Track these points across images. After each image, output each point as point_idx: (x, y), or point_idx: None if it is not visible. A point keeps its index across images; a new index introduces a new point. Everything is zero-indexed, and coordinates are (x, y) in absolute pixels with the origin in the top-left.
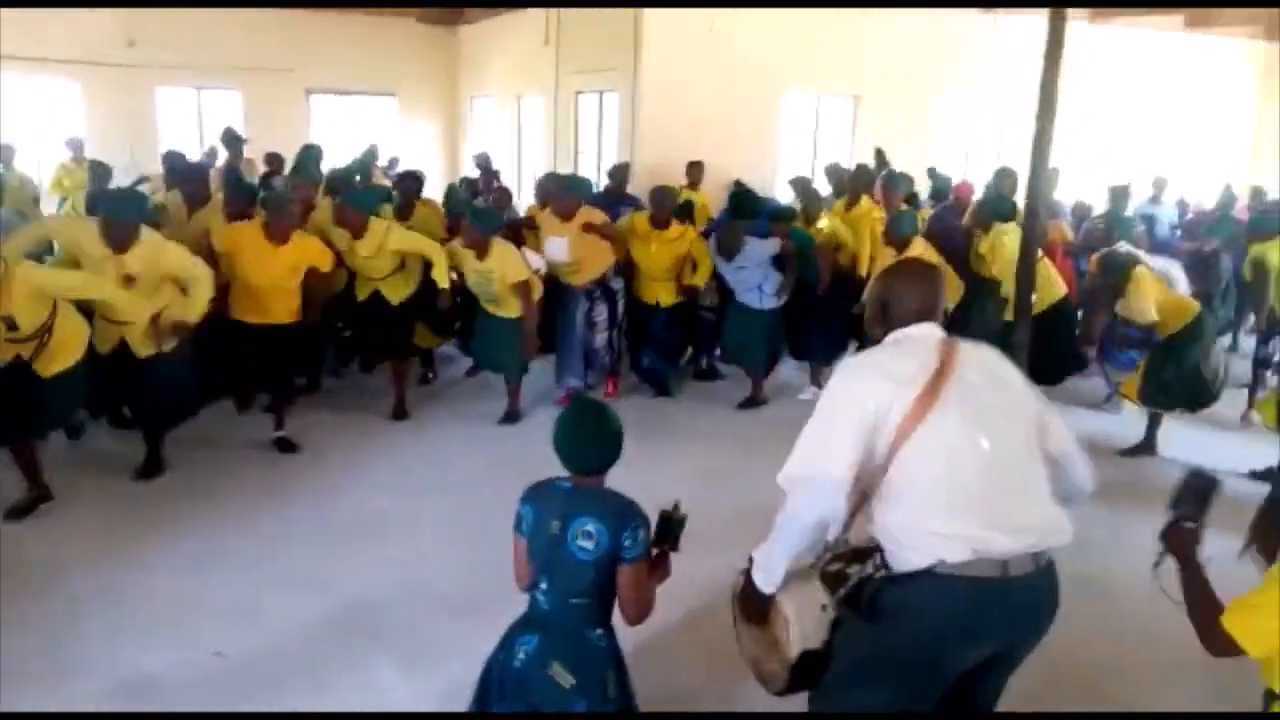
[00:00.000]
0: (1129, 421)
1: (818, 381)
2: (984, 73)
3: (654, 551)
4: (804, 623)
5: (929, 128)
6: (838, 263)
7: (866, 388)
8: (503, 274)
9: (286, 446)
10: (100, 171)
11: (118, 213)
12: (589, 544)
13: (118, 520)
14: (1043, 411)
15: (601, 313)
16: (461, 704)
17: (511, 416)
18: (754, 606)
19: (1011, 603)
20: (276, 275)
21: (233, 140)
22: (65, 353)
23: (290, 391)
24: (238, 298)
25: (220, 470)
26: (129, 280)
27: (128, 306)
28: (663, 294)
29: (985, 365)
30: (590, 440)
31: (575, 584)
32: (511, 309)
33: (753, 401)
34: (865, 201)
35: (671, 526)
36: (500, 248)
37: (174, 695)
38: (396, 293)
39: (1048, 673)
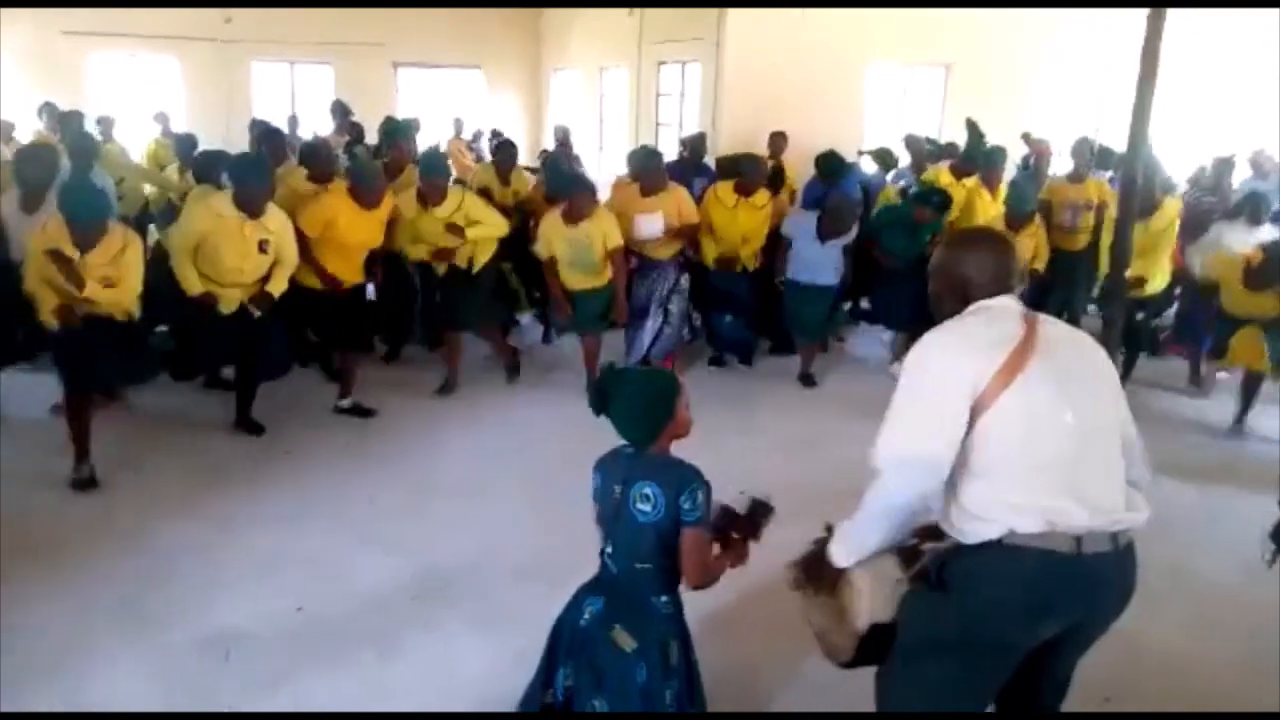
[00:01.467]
0: (1216, 406)
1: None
2: (1081, 41)
3: (734, 535)
4: (876, 596)
5: (1024, 99)
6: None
7: (960, 360)
8: (604, 239)
9: (361, 412)
10: (185, 142)
11: (251, 180)
12: (647, 507)
13: (205, 479)
14: (1120, 393)
15: (684, 282)
16: (526, 670)
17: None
18: (823, 578)
19: (1084, 580)
20: (368, 238)
21: (341, 111)
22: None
23: (354, 348)
24: (327, 261)
25: (303, 434)
26: (264, 244)
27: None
28: (746, 260)
29: (1069, 339)
30: (628, 412)
31: (638, 548)
32: (600, 278)
33: (808, 379)
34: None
35: (756, 515)
36: (602, 213)
37: (255, 648)
38: (463, 259)
39: (1124, 659)
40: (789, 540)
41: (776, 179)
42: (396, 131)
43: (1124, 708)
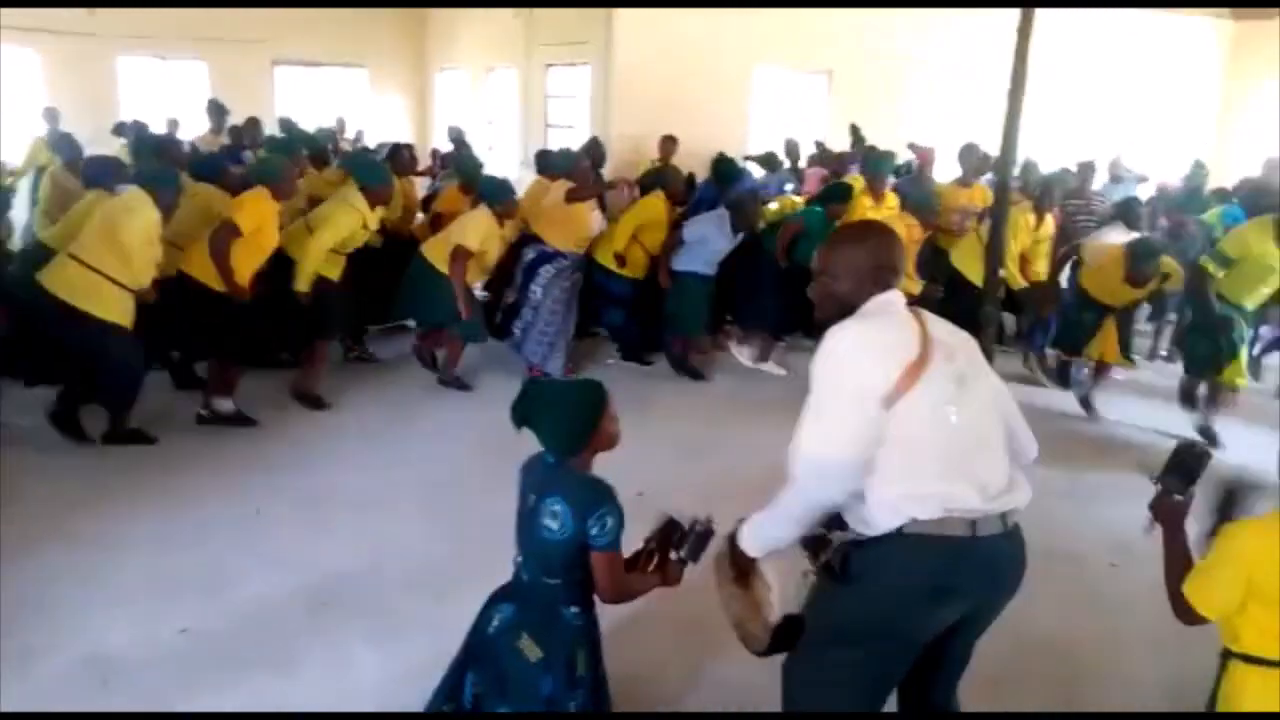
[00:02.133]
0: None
1: (766, 355)
2: (956, 49)
3: (673, 554)
4: (785, 587)
5: (902, 105)
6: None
7: (873, 363)
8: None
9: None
10: (69, 143)
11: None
12: (554, 524)
13: (79, 496)
14: (1004, 396)
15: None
16: (430, 680)
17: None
18: (737, 569)
19: (980, 562)
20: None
21: (217, 110)
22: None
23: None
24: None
25: (178, 444)
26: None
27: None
28: (634, 266)
29: (953, 334)
30: (551, 425)
31: (545, 562)
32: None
33: (696, 373)
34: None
35: (695, 538)
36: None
37: (138, 673)
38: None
39: (1008, 641)
40: None
41: (690, 187)
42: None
43: (1012, 689)
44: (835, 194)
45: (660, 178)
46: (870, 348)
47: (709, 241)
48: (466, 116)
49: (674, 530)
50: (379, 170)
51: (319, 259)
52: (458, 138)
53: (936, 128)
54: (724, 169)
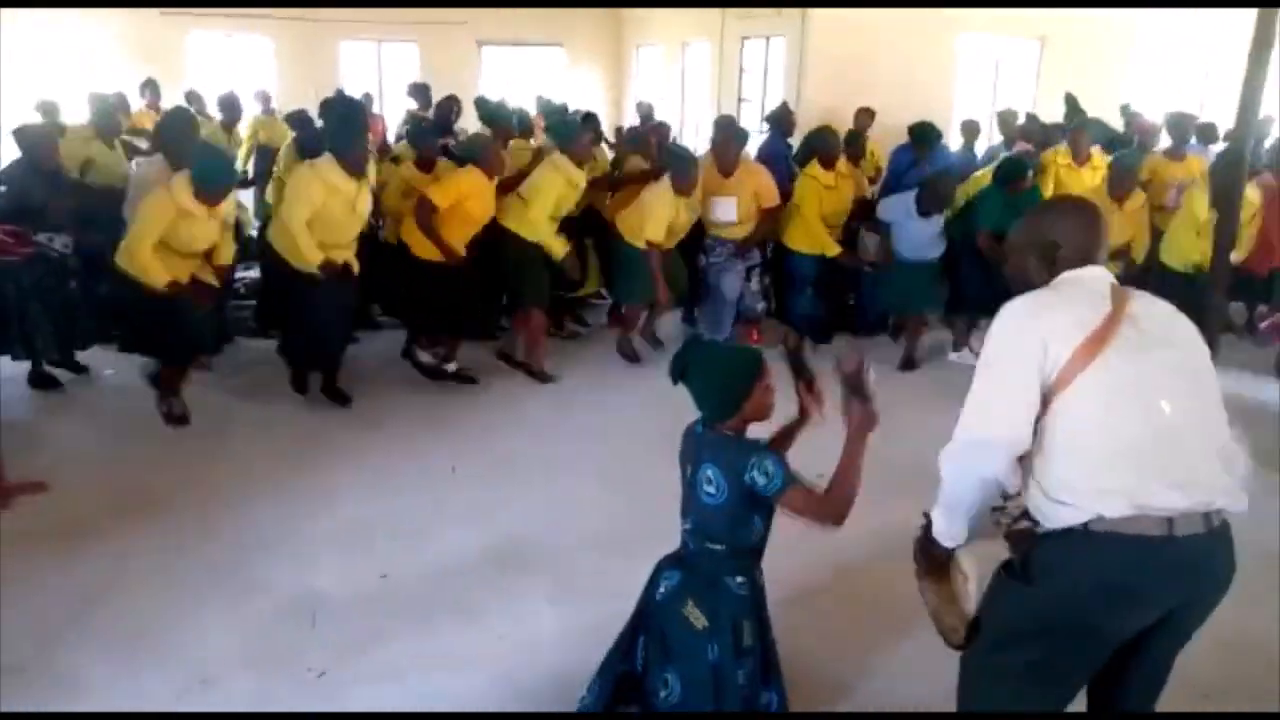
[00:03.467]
0: None
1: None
2: (1183, 12)
3: (804, 390)
4: (984, 578)
5: (1122, 73)
6: None
7: (1034, 333)
8: (755, 194)
9: (466, 377)
10: (303, 121)
11: (352, 148)
12: (712, 489)
13: (293, 446)
14: (1215, 377)
15: (755, 258)
16: (606, 639)
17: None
18: (933, 561)
19: (1177, 564)
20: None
21: (420, 91)
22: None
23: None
24: (455, 236)
25: (388, 403)
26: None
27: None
28: (829, 243)
29: (1165, 317)
30: (704, 386)
31: (709, 528)
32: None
33: (911, 362)
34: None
35: (799, 358)
36: (747, 167)
37: (340, 613)
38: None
39: (1224, 653)
40: (873, 523)
41: (855, 146)
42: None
43: (1219, 701)
44: (1010, 171)
45: (812, 142)
46: (1038, 320)
47: (901, 226)
48: (662, 91)
49: (798, 359)
50: (573, 127)
51: (546, 227)
52: (646, 113)
53: (1160, 97)
54: (921, 132)
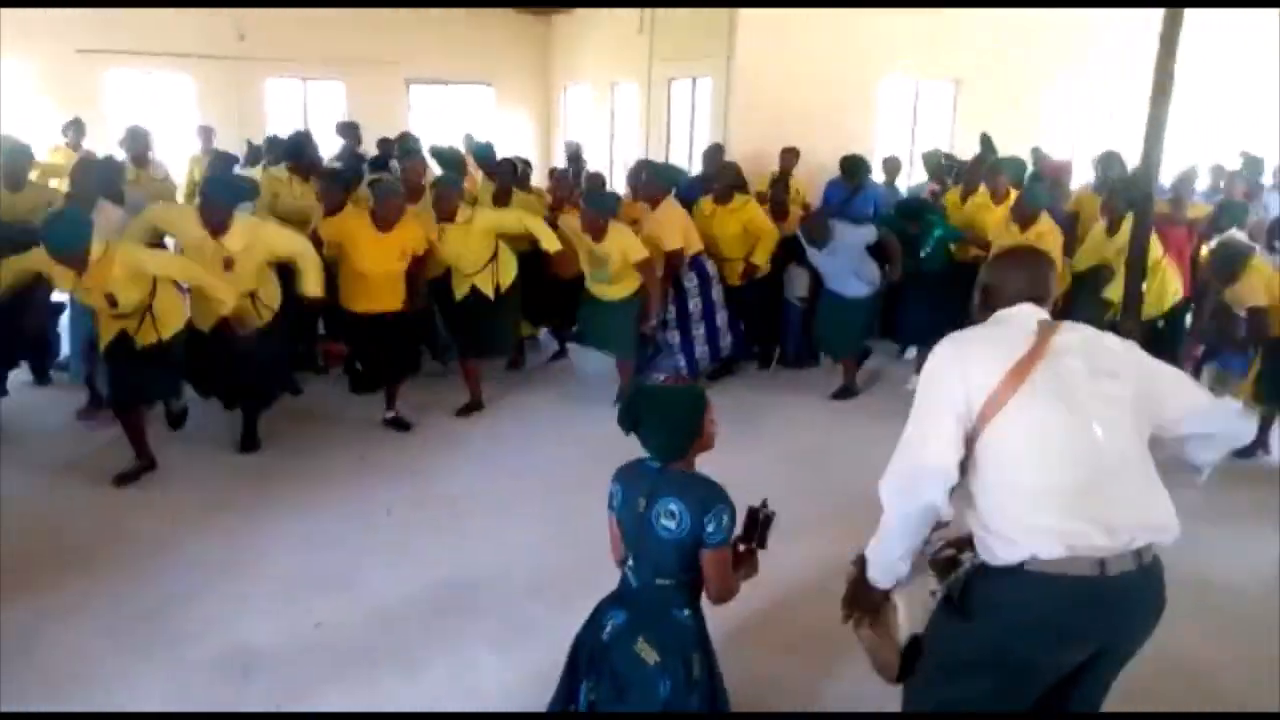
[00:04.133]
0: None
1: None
2: (1093, 55)
3: (740, 547)
4: (912, 607)
5: (1035, 114)
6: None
7: (957, 366)
8: (624, 254)
9: (400, 425)
10: (222, 161)
11: (213, 197)
12: (671, 524)
13: (226, 494)
14: (1156, 378)
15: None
16: (548, 686)
17: (624, 395)
18: (868, 601)
19: (1110, 604)
20: (386, 262)
21: (348, 129)
22: (165, 327)
23: (401, 375)
24: (347, 287)
25: (323, 447)
26: (229, 262)
27: (219, 288)
28: (728, 273)
29: (1088, 347)
30: (659, 430)
31: (660, 563)
32: (622, 290)
33: (846, 391)
34: (980, 193)
35: (758, 524)
36: (617, 229)
37: (274, 665)
38: (488, 285)
39: (1152, 670)
40: (807, 554)
41: (776, 188)
42: (411, 145)
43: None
44: (902, 210)
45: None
46: (960, 354)
47: (812, 257)
48: (591, 131)
49: (755, 522)
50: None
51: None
52: (575, 153)
53: (1071, 138)
54: (852, 165)
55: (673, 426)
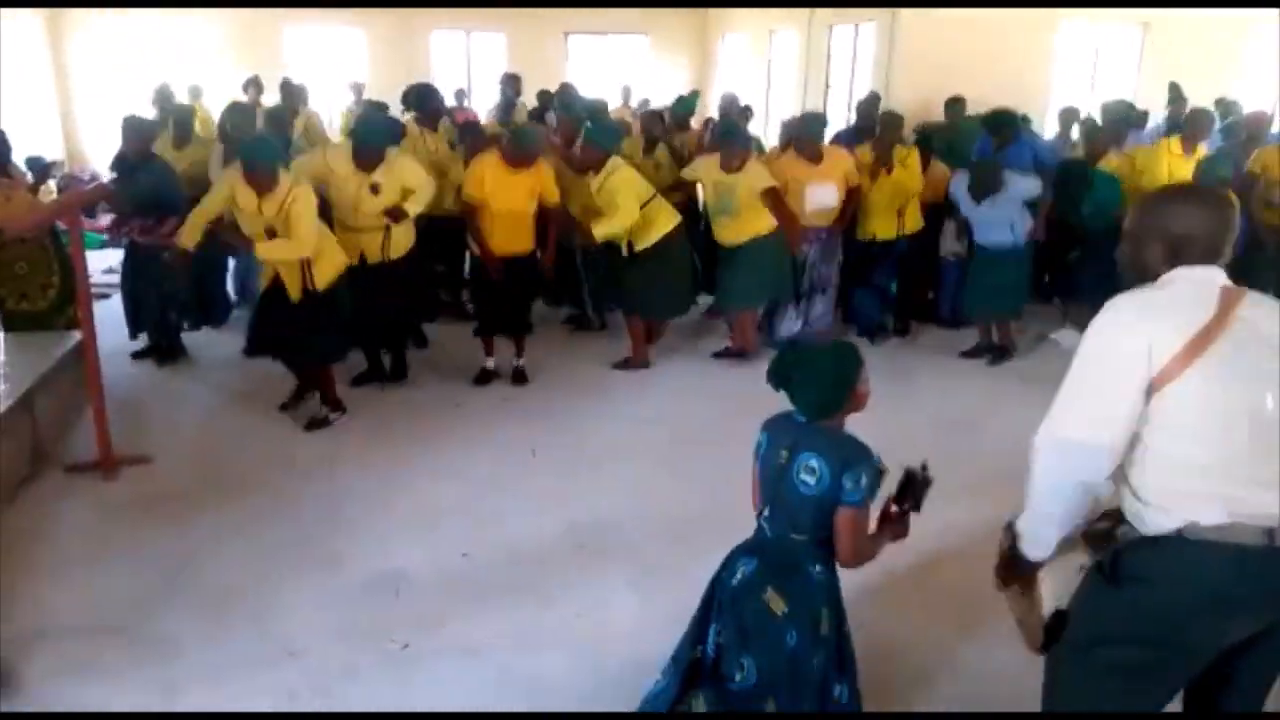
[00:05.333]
0: None
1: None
2: None
3: (894, 508)
4: (1056, 582)
5: (1233, 62)
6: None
7: (1139, 338)
8: (750, 183)
9: (519, 377)
10: (375, 108)
11: (366, 137)
12: (811, 479)
13: (387, 428)
14: None
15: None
16: (677, 627)
17: (742, 354)
18: (1019, 570)
19: (1277, 575)
20: (514, 200)
21: (509, 81)
22: (320, 276)
23: (522, 325)
24: (485, 229)
25: (470, 390)
26: (375, 187)
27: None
28: (880, 228)
29: (1273, 322)
30: (812, 388)
31: (796, 517)
32: (750, 230)
33: (1004, 352)
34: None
35: (915, 486)
36: (754, 162)
37: (422, 590)
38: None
39: None
40: (951, 517)
41: (925, 141)
42: (568, 104)
43: None
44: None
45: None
46: (1142, 320)
47: (967, 210)
48: (747, 80)
49: (912, 483)
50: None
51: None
52: (728, 106)
53: (1271, 87)
54: (995, 122)
55: (823, 384)
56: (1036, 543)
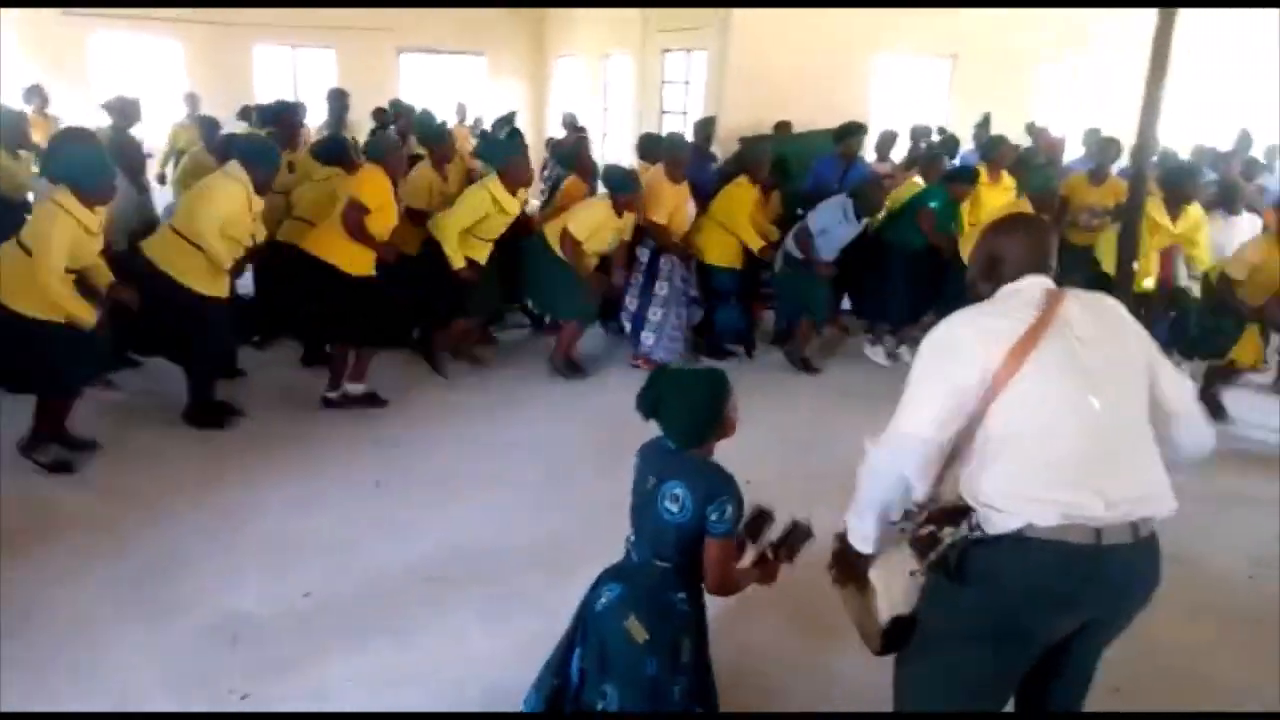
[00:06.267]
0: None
1: (884, 343)
2: (1093, 32)
3: (769, 554)
4: (891, 589)
5: (1030, 92)
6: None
7: (965, 341)
8: (628, 229)
9: (370, 401)
10: (208, 126)
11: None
12: (674, 508)
13: (216, 464)
14: (1156, 365)
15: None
16: (538, 655)
17: (574, 367)
18: (851, 570)
19: (1105, 573)
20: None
21: (337, 96)
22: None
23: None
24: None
25: (311, 419)
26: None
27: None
28: (733, 256)
29: (1094, 316)
30: (681, 415)
31: (661, 544)
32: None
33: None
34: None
35: (796, 535)
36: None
37: (263, 633)
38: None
39: (1133, 649)
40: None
41: (780, 168)
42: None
43: (1133, 699)
44: (960, 174)
45: (743, 158)
46: (969, 328)
47: (831, 231)
48: (583, 102)
49: (764, 521)
50: (506, 148)
51: (453, 239)
52: (572, 122)
53: (1068, 117)
54: (847, 129)
55: (696, 412)
56: (857, 533)
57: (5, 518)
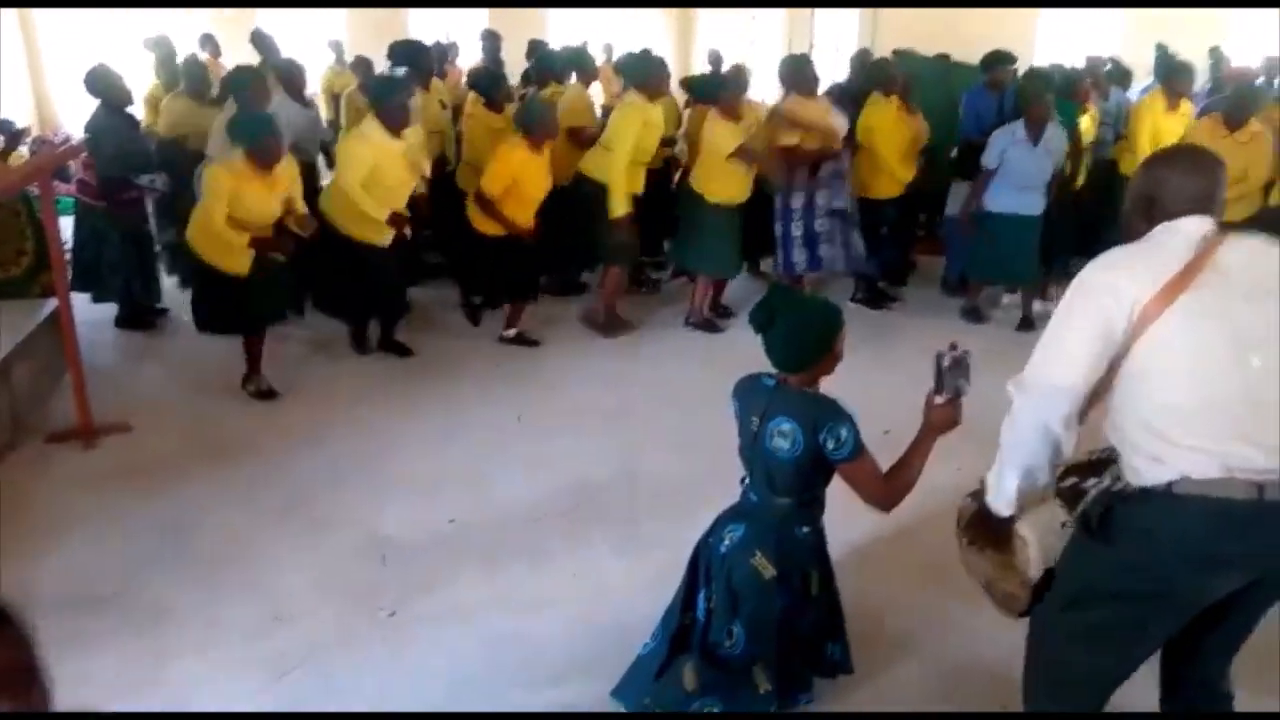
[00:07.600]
0: None
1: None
2: None
3: (937, 399)
4: (1045, 542)
5: (1213, 16)
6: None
7: (1105, 283)
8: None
9: (525, 342)
10: (365, 66)
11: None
12: (785, 443)
13: (371, 395)
14: None
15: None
16: (669, 589)
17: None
18: (991, 532)
19: (1267, 529)
20: (542, 187)
21: (489, 37)
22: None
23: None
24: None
25: (453, 354)
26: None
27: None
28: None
29: (1257, 261)
30: (790, 337)
31: (777, 481)
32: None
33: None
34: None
35: (943, 371)
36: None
37: (410, 554)
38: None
39: None
40: (937, 478)
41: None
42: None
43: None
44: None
45: (871, 74)
46: (1113, 270)
47: (1011, 163)
48: (731, 38)
49: (940, 370)
50: (645, 63)
51: (620, 175)
52: (715, 61)
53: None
54: (996, 57)
55: (803, 336)
56: (998, 493)
57: (167, 442)
